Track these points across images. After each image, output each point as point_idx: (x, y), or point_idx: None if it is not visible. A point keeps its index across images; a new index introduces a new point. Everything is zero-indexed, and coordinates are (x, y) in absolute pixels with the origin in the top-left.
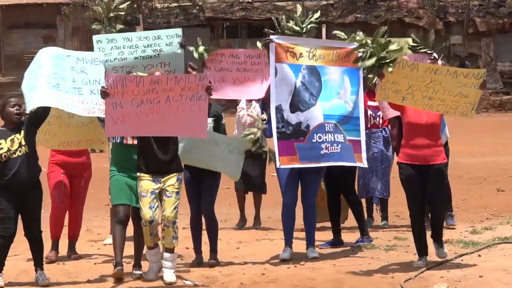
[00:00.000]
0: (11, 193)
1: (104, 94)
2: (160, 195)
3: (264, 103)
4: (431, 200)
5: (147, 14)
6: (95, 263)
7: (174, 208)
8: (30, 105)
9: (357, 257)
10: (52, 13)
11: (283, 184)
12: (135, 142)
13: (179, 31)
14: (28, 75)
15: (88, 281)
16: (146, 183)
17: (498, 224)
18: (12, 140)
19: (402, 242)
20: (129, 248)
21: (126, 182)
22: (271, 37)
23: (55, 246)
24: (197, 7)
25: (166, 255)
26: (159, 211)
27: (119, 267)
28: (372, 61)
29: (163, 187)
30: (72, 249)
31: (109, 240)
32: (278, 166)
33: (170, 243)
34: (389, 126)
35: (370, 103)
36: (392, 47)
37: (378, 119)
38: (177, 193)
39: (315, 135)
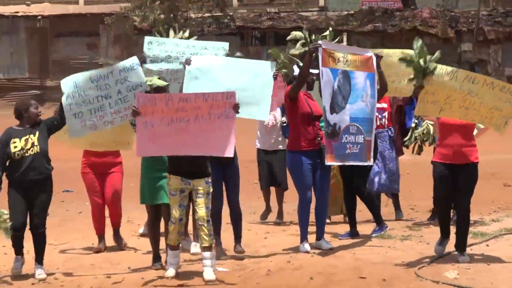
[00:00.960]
0: (20, 189)
1: (135, 113)
2: (190, 196)
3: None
4: (459, 199)
5: (182, 23)
6: (135, 251)
7: (206, 208)
8: (70, 134)
9: (375, 246)
10: (95, 22)
11: (301, 182)
12: None
13: (226, 45)
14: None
15: (129, 268)
16: (175, 182)
17: (505, 216)
18: (26, 140)
19: (417, 232)
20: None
21: (157, 182)
22: (319, 42)
23: (102, 239)
24: (228, 17)
25: (206, 254)
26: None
27: (158, 262)
28: (421, 78)
29: (194, 189)
30: (118, 236)
31: (142, 230)
32: (326, 163)
33: (207, 241)
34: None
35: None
36: (430, 57)
37: (384, 120)
38: (208, 194)
39: (344, 135)
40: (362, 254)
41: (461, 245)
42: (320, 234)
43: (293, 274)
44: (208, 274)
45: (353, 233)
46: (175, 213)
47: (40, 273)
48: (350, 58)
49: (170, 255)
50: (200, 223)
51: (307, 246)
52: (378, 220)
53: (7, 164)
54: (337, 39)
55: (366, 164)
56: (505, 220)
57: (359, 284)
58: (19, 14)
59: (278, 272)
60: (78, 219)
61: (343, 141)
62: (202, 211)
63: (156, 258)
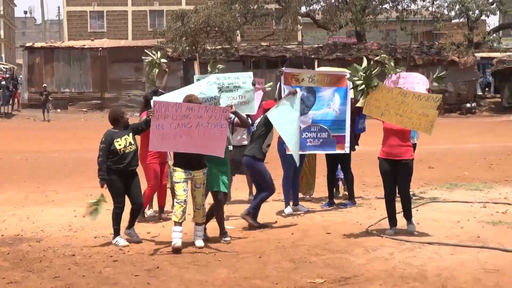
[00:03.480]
0: (121, 177)
1: (151, 116)
2: (190, 185)
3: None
4: (400, 186)
5: (201, 53)
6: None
7: (202, 195)
8: None
9: (338, 211)
10: (140, 52)
11: (286, 164)
12: None
13: (251, 73)
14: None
15: (163, 227)
16: (179, 174)
17: (429, 189)
18: (126, 139)
19: (367, 201)
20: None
21: (214, 173)
22: (282, 68)
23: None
24: (234, 48)
25: (197, 227)
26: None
27: (227, 238)
28: (362, 87)
29: (193, 179)
30: (162, 211)
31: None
32: (287, 153)
33: (200, 219)
34: None
35: None
36: (374, 73)
37: None
38: (204, 183)
39: (303, 133)
40: (328, 217)
41: (407, 215)
42: (295, 202)
43: (279, 230)
44: (199, 242)
45: (332, 203)
46: (180, 196)
47: (135, 235)
48: (318, 77)
49: (175, 229)
50: (197, 208)
51: (289, 210)
52: (352, 196)
53: (114, 158)
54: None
55: (335, 152)
56: (429, 192)
57: (326, 238)
58: (86, 47)
59: (268, 229)
60: None
61: (303, 136)
62: (199, 199)
63: (224, 234)
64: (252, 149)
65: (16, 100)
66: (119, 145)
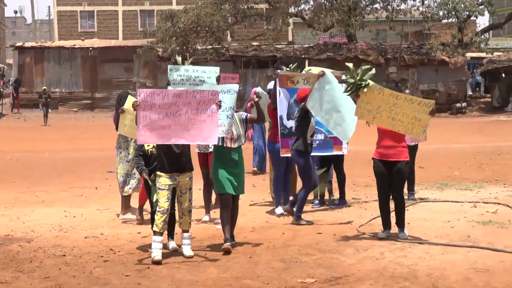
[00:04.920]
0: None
1: (137, 107)
2: (175, 190)
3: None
4: (394, 189)
5: (191, 53)
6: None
7: (189, 201)
8: None
9: (328, 211)
10: (130, 52)
11: (277, 165)
12: (233, 145)
13: (217, 69)
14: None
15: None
16: (164, 180)
17: (419, 189)
18: None
19: (357, 201)
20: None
21: (227, 176)
22: (278, 71)
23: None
24: (224, 48)
25: (185, 234)
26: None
27: (228, 243)
28: (352, 85)
29: (178, 185)
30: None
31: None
32: (281, 155)
33: (186, 226)
34: None
35: None
36: (367, 75)
37: None
38: (190, 189)
39: None
40: (319, 216)
41: (400, 223)
42: (286, 202)
43: (270, 230)
44: (188, 251)
45: (322, 202)
46: (164, 204)
47: (173, 245)
48: (313, 79)
49: (155, 240)
50: (184, 214)
51: (280, 210)
52: (342, 196)
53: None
54: None
55: (333, 153)
56: (419, 192)
57: (317, 238)
58: (76, 46)
59: (259, 229)
60: (118, 192)
61: None
62: (186, 204)
63: (226, 239)
64: (297, 144)
65: (16, 102)
66: (147, 145)
